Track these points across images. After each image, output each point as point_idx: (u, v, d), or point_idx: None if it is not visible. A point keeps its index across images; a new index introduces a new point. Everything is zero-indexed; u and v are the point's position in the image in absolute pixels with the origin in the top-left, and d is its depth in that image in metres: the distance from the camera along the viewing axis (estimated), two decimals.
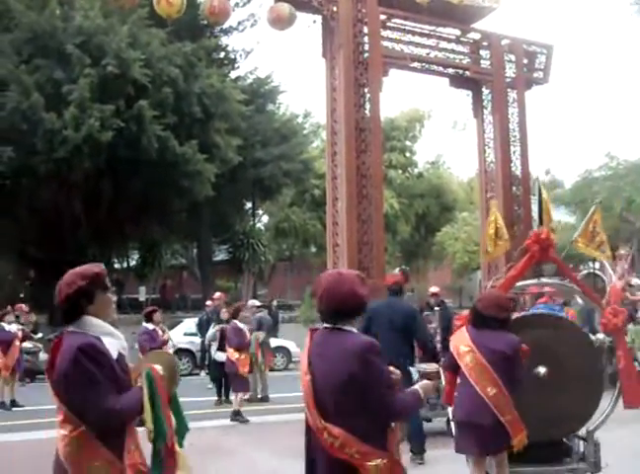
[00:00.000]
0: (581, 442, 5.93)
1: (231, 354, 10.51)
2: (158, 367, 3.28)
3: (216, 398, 12.23)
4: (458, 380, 5.09)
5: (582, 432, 5.87)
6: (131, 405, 3.10)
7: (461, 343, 5.05)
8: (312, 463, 3.37)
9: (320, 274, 3.62)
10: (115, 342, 3.25)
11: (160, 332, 10.72)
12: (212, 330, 12.69)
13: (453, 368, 5.13)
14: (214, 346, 12.35)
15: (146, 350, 10.41)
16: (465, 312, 5.92)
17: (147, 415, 3.14)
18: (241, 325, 10.74)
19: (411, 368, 6.95)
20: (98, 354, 3.07)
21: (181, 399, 3.50)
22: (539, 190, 6.76)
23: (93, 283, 3.23)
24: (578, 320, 14.87)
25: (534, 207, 7.12)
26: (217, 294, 14.36)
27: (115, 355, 3.17)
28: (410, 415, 6.00)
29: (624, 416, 6.68)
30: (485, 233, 8.01)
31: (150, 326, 10.65)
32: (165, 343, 10.65)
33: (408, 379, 7.72)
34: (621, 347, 6.16)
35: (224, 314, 12.16)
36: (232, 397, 10.89)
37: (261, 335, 12.26)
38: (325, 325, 3.42)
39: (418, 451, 7.47)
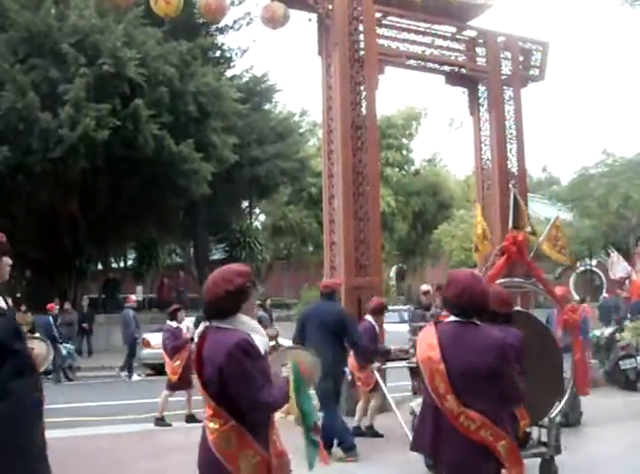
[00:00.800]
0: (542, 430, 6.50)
1: None
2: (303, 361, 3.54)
3: None
4: None
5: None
6: (281, 397, 3.29)
7: None
8: (438, 445, 3.68)
9: (453, 272, 4.07)
10: (261, 338, 3.38)
11: (184, 330, 10.71)
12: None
13: None
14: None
15: (168, 347, 10.40)
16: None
17: (292, 403, 3.37)
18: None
19: (346, 369, 7.02)
20: (253, 349, 3.21)
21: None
22: (515, 197, 7.57)
23: (249, 282, 3.39)
24: (598, 315, 14.98)
25: (510, 213, 7.59)
26: None
27: (262, 352, 3.33)
28: None
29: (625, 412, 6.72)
30: (474, 233, 8.36)
31: (174, 324, 10.69)
32: (188, 341, 10.59)
33: (340, 380, 7.95)
34: (577, 341, 7.09)
35: None
36: None
37: (272, 331, 12.38)
38: (456, 319, 3.75)
39: None
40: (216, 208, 29.28)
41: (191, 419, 10.20)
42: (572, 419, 8.90)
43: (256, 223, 35.94)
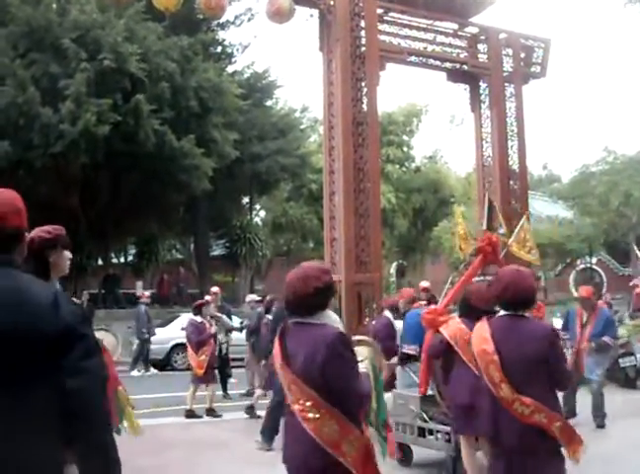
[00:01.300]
0: None
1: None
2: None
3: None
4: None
5: None
6: (369, 389, 3.53)
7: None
8: (497, 429, 4.03)
9: (500, 270, 4.44)
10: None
11: (208, 325, 10.74)
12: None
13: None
14: None
15: (193, 342, 10.45)
16: (434, 306, 6.79)
17: (372, 396, 3.65)
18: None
19: None
20: (349, 342, 3.42)
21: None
22: (489, 201, 8.14)
23: (332, 279, 3.56)
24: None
25: (484, 215, 8.12)
26: (215, 289, 14.33)
27: None
28: None
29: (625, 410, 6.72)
30: (456, 234, 8.60)
31: (198, 318, 10.71)
32: (212, 336, 10.67)
33: None
34: None
35: (212, 309, 12.12)
36: (258, 392, 10.53)
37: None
38: (506, 313, 4.13)
39: None
40: (217, 204, 29.27)
41: (210, 412, 10.29)
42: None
43: (256, 219, 35.91)
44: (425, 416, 6.78)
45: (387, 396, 8.10)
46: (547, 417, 3.91)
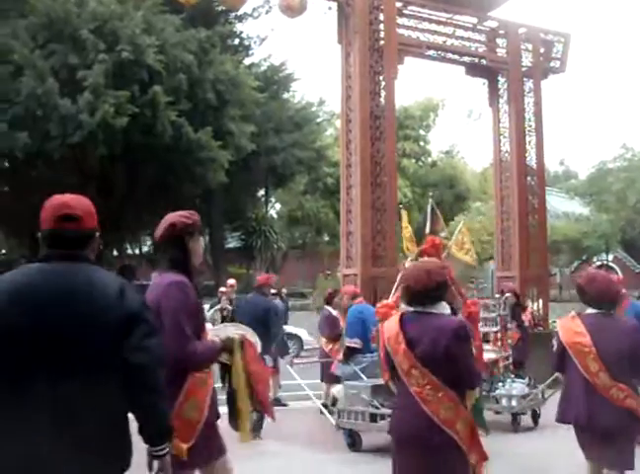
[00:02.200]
0: None
1: (325, 344, 9.88)
2: None
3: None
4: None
5: None
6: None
7: None
8: (591, 414, 4.57)
9: (591, 273, 5.08)
10: None
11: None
12: (212, 310, 12.65)
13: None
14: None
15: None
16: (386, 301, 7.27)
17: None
18: (334, 312, 10.02)
19: (265, 356, 7.28)
20: (468, 329, 3.94)
21: None
22: (432, 207, 8.72)
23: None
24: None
25: (428, 219, 8.71)
26: (231, 281, 14.33)
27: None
28: None
29: None
30: (403, 236, 9.09)
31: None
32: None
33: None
34: (476, 334, 7.88)
35: (225, 302, 12.06)
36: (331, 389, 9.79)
37: None
38: (596, 311, 4.76)
39: None
40: (232, 197, 29.29)
41: (277, 402, 9.91)
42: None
43: (272, 212, 35.95)
44: (376, 403, 7.40)
45: (338, 388, 8.36)
46: (637, 401, 4.61)
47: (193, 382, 3.54)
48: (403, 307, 4.35)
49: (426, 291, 3.86)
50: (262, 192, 33.98)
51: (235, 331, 3.93)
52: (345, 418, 7.66)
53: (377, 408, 7.37)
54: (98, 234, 2.96)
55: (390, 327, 3.94)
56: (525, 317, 11.17)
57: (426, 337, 3.76)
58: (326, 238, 34.82)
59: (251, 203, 32.72)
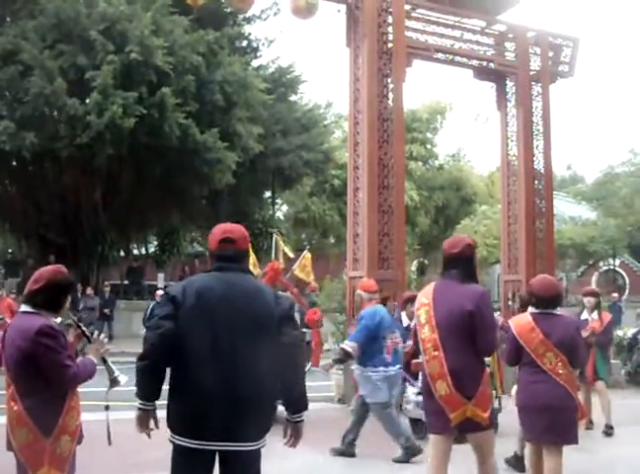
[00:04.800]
0: None
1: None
2: None
3: None
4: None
5: None
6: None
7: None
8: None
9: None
10: None
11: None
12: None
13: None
14: None
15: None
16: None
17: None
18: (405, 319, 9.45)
19: None
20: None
21: None
22: (275, 239, 11.59)
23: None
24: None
25: (273, 248, 11.70)
26: None
27: None
28: None
29: None
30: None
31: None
32: None
33: None
34: (316, 337, 10.88)
35: None
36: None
37: None
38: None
39: None
40: (239, 198, 29.25)
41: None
42: None
43: (278, 214, 35.90)
44: None
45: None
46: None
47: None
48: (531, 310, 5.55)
49: (555, 299, 5.45)
50: (268, 193, 33.92)
51: None
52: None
53: None
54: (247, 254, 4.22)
55: (523, 324, 5.42)
56: None
57: (557, 329, 5.30)
58: (332, 240, 34.74)
59: (257, 205, 32.67)
